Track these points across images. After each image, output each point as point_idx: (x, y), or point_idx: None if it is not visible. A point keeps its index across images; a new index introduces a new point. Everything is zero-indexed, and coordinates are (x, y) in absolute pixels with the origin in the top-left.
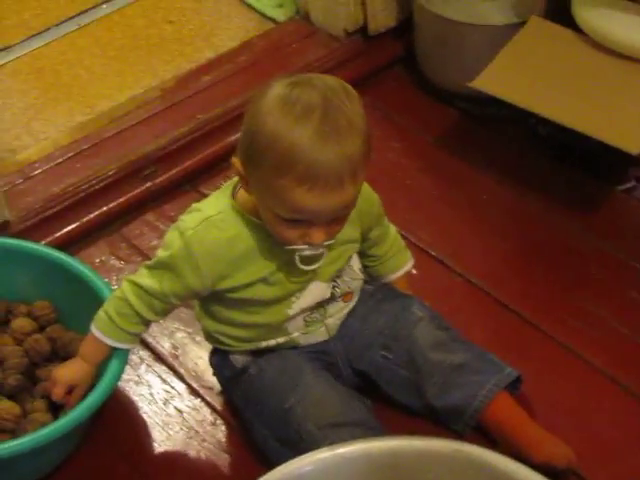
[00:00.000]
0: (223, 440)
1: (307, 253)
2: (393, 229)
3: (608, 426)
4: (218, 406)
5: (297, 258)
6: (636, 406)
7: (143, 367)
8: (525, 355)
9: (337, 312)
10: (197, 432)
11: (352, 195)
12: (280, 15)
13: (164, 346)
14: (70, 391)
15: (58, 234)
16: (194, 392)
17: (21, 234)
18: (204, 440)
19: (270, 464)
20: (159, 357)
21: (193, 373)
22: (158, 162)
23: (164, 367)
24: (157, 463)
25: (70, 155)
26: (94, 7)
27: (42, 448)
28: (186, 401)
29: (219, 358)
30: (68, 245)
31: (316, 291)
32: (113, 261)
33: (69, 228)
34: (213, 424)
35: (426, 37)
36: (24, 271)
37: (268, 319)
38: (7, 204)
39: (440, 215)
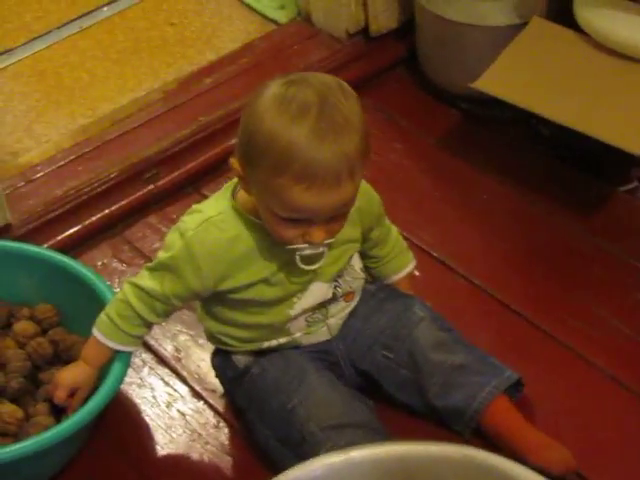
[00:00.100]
0: (226, 443)
1: (307, 252)
2: (395, 230)
3: (610, 426)
4: (221, 409)
5: (298, 258)
6: (638, 406)
7: (146, 370)
8: (527, 355)
9: (339, 312)
10: (200, 435)
11: (350, 193)
12: (282, 17)
13: (167, 349)
14: (72, 394)
15: (60, 237)
16: (197, 395)
17: (23, 237)
18: (207, 443)
19: (272, 465)
20: (162, 360)
21: (196, 376)
22: (160, 164)
23: (167, 370)
24: (160, 466)
25: (72, 158)
26: (95, 9)
27: (45, 451)
28: (189, 404)
29: (221, 359)
30: (70, 248)
31: (317, 291)
32: (115, 264)
33: (71, 231)
34: (216, 427)
35: (428, 38)
36: (26, 274)
37: (270, 320)
38: (9, 207)
39: (442, 216)
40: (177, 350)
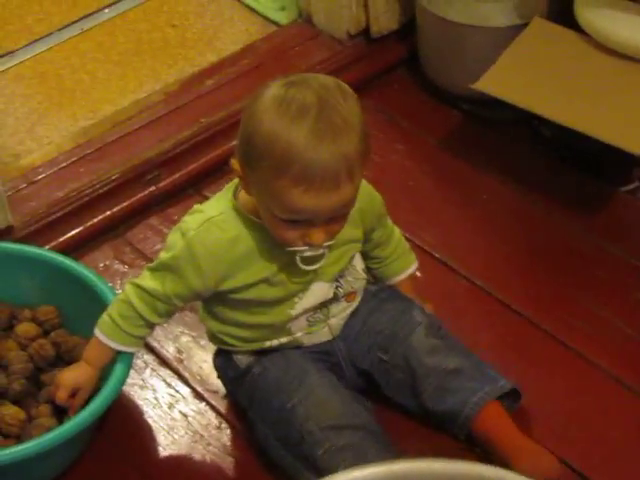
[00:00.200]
0: (228, 444)
1: (308, 254)
2: (397, 231)
3: (611, 426)
4: (223, 410)
5: (298, 259)
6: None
7: (148, 371)
8: (528, 356)
9: (340, 312)
10: (202, 436)
11: (350, 194)
12: (283, 18)
13: (169, 350)
14: (74, 394)
15: (62, 239)
16: (199, 396)
17: (25, 239)
18: (209, 444)
19: (272, 465)
20: (164, 361)
21: (198, 377)
22: (162, 166)
23: (169, 371)
24: (162, 467)
25: (74, 160)
26: (97, 11)
27: (47, 453)
28: (191, 405)
29: (223, 359)
30: (72, 250)
31: (319, 291)
32: (117, 265)
33: (73, 233)
34: (218, 428)
35: (429, 39)
36: (28, 276)
37: (271, 319)
38: (11, 209)
39: (444, 217)
40: (179, 351)
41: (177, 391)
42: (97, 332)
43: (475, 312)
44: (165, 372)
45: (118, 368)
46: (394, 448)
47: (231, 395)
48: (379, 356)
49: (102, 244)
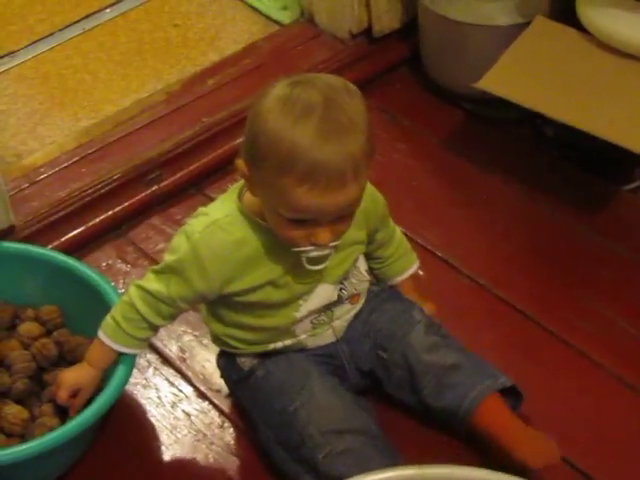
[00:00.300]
0: (231, 443)
1: (314, 254)
2: (399, 231)
3: (615, 426)
4: (226, 409)
5: (304, 259)
6: None
7: (151, 370)
8: (532, 355)
9: (344, 314)
10: (205, 435)
11: (356, 194)
12: (285, 18)
13: (171, 349)
14: (75, 395)
15: (64, 238)
16: (202, 395)
17: (27, 239)
18: (212, 443)
19: (274, 466)
20: (167, 360)
21: (201, 376)
22: (164, 166)
23: (172, 370)
24: (165, 466)
25: (76, 159)
26: (98, 11)
27: (50, 452)
28: (194, 404)
29: (226, 361)
30: (74, 249)
31: (323, 294)
32: (120, 265)
33: (75, 232)
34: (221, 427)
35: (431, 38)
36: (31, 276)
37: (276, 322)
38: (13, 209)
39: (446, 216)
40: (182, 350)
41: (180, 390)
42: (100, 334)
43: (478, 311)
44: (168, 371)
45: (121, 367)
46: (396, 452)
47: (234, 396)
48: (379, 354)
49: (104, 244)
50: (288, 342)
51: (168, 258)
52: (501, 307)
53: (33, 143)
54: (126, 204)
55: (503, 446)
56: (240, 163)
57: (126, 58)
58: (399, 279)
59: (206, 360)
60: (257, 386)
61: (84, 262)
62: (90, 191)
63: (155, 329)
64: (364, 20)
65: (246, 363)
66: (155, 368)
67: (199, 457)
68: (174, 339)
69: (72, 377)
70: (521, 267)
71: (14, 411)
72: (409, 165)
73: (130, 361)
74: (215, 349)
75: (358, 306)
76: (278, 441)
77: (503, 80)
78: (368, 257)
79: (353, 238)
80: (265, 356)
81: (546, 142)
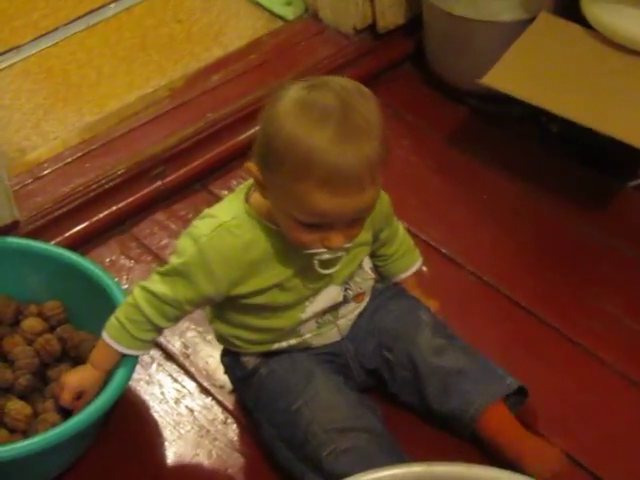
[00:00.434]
0: (234, 439)
1: (326, 257)
2: (402, 228)
3: (620, 422)
4: (229, 405)
5: (316, 262)
6: None
7: (154, 366)
8: (535, 352)
9: (349, 313)
10: (208, 431)
11: (372, 197)
12: (289, 13)
13: (175, 345)
14: (78, 397)
15: (68, 234)
16: (205, 391)
17: (31, 234)
18: (215, 439)
19: (278, 464)
20: (170, 356)
21: (204, 372)
22: (168, 161)
23: (175, 366)
24: (168, 462)
25: (79, 155)
26: (103, 7)
27: (53, 448)
28: (197, 400)
29: (230, 359)
30: (78, 245)
31: (329, 295)
32: (123, 260)
33: (79, 228)
34: (224, 423)
35: (435, 34)
36: (34, 271)
37: (282, 323)
38: (17, 204)
39: (450, 213)
40: (185, 346)
41: (183, 386)
42: (104, 335)
43: (482, 307)
44: (171, 367)
45: (124, 364)
46: (401, 450)
47: (238, 394)
48: (384, 355)
49: (108, 239)
50: (293, 341)
51: (174, 261)
52: (505, 304)
53: (37, 138)
54: (130, 200)
55: (508, 455)
56: (251, 166)
57: (130, 54)
58: (402, 276)
59: (209, 356)
60: (261, 384)
61: (88, 258)
62: (94, 187)
63: (160, 331)
64: (368, 16)
65: (250, 362)
66: (158, 364)
67: (202, 453)
68: (177, 335)
69: (76, 379)
70: (525, 264)
71: (17, 407)
72: (412, 161)
73: (133, 358)
74: (218, 345)
75: (363, 304)
76: (282, 439)
77: (507, 76)
78: (372, 255)
79: (360, 239)
80: (269, 355)
81: (551, 138)
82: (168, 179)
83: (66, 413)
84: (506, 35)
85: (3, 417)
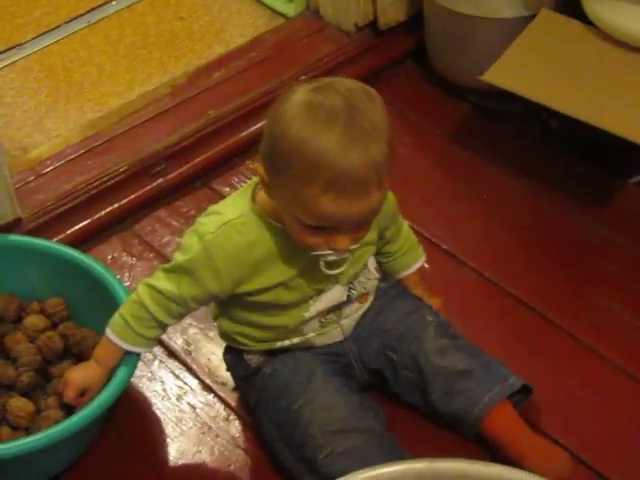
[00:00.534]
0: (237, 436)
1: (332, 258)
2: (406, 226)
3: (622, 419)
4: (231, 402)
5: (322, 264)
6: None
7: (156, 363)
8: (538, 348)
9: (352, 313)
10: (210, 428)
11: (378, 201)
12: (290, 10)
13: (177, 342)
14: (82, 394)
15: (70, 231)
16: (207, 388)
17: (33, 231)
18: (217, 436)
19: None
20: (172, 353)
21: (206, 369)
22: (169, 159)
23: (177, 363)
24: (170, 459)
25: (81, 152)
26: (104, 4)
27: (55, 445)
28: (199, 397)
29: (233, 357)
30: (80, 242)
31: (333, 294)
32: (125, 257)
33: (81, 225)
34: (226, 420)
35: (436, 31)
36: (36, 268)
37: (285, 321)
38: (19, 201)
39: (452, 209)
40: (187, 343)
41: (185, 383)
42: (108, 332)
43: (484, 304)
44: (173, 364)
45: (126, 361)
46: (403, 451)
47: (240, 392)
48: (388, 355)
49: (110, 237)
50: (296, 340)
51: (179, 258)
52: (506, 300)
53: (39, 136)
54: (132, 197)
55: (512, 455)
56: (259, 167)
57: (132, 51)
58: (406, 273)
59: (211, 353)
60: (263, 383)
61: (90, 255)
62: (96, 184)
63: (164, 328)
64: (369, 13)
65: (253, 360)
66: (160, 361)
67: (204, 450)
68: (179, 332)
69: (79, 376)
70: (526, 260)
71: (20, 404)
72: (414, 158)
73: (136, 354)
74: (220, 342)
75: (367, 305)
76: (281, 439)
77: (509, 73)
78: (375, 252)
79: (366, 239)
80: (272, 354)
81: (551, 135)
82: (170, 176)
83: (68, 410)
84: (507, 32)
85: (5, 414)
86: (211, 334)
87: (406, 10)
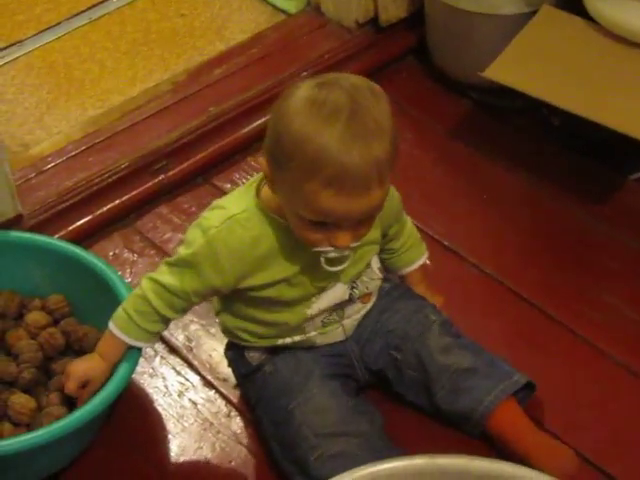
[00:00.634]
0: (238, 432)
1: (332, 255)
2: (409, 222)
3: (624, 416)
4: (233, 398)
5: (323, 260)
6: None
7: (157, 359)
8: (539, 344)
9: (355, 313)
10: (212, 424)
11: (379, 198)
12: (291, 7)
13: (178, 338)
14: (84, 386)
15: (71, 228)
16: (208, 384)
17: (34, 228)
18: (219, 432)
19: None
20: (173, 349)
21: (207, 365)
22: (170, 155)
23: (178, 359)
24: (172, 455)
25: (83, 149)
26: (105, 1)
27: (57, 441)
28: (200, 393)
29: (235, 354)
30: (82, 239)
31: (335, 293)
32: (127, 254)
33: (82, 222)
34: (228, 416)
35: (437, 28)
36: (38, 265)
37: (288, 318)
38: (20, 198)
39: (453, 206)
40: (188, 339)
41: (187, 379)
42: (111, 326)
43: (485, 300)
44: (175, 360)
45: (128, 357)
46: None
47: (241, 388)
48: (392, 355)
49: (111, 233)
50: (297, 338)
51: (183, 251)
52: (507, 296)
53: (40, 133)
54: (133, 193)
55: (518, 453)
56: (262, 161)
57: (133, 48)
58: (408, 270)
59: (213, 349)
60: (264, 382)
61: (91, 251)
62: (97, 180)
63: (167, 322)
64: (370, 9)
65: (254, 358)
66: (162, 357)
67: (206, 446)
68: (181, 328)
69: (82, 368)
70: (527, 256)
71: (21, 400)
72: (415, 154)
73: (137, 350)
74: (222, 338)
75: (369, 305)
76: (276, 439)
77: (510, 69)
78: (379, 250)
79: (369, 238)
80: (273, 352)
81: (552, 131)
82: (171, 173)
83: (70, 406)
84: (508, 28)
85: (7, 411)
86: (212, 330)
87: (407, 6)
